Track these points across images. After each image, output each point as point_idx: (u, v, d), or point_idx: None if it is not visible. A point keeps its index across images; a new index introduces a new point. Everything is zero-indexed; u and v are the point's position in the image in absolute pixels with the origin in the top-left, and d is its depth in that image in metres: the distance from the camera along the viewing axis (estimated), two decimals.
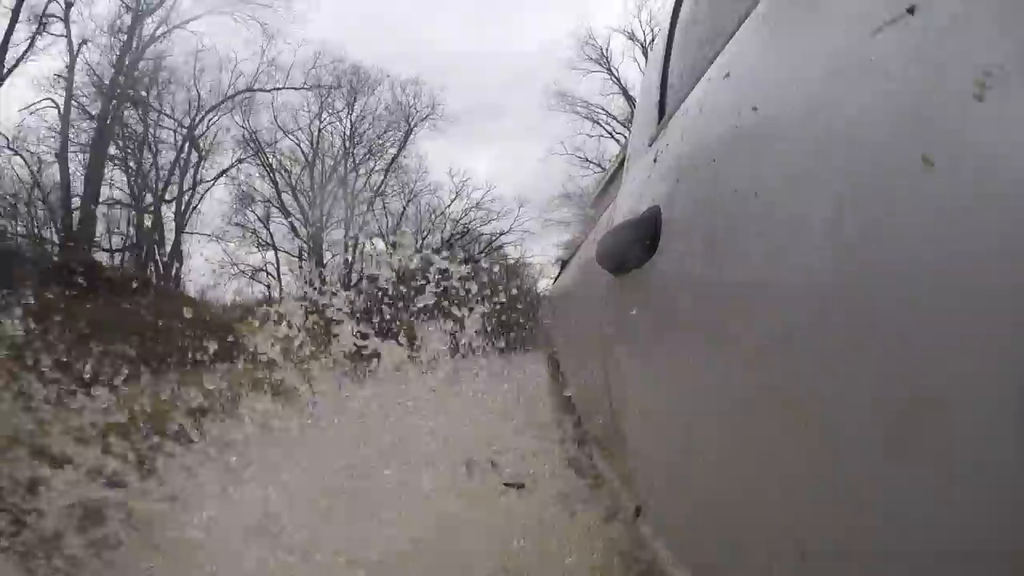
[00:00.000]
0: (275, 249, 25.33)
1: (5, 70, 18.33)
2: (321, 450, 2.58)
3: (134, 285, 14.72)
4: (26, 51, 19.84)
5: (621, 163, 2.22)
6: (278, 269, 25.15)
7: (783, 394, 0.68)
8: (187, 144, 22.47)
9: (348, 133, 26.50)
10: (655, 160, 1.34)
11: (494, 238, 28.09)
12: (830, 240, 0.59)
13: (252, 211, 25.73)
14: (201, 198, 24.26)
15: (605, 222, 1.95)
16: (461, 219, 27.98)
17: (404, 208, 27.74)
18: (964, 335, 0.42)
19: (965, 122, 0.43)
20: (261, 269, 25.36)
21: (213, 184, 24.46)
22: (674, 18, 1.74)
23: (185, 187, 23.42)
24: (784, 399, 0.68)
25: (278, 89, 24.52)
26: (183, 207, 23.33)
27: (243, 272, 25.10)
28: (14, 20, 18.44)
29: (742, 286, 0.82)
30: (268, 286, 25.25)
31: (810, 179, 0.65)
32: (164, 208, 23.41)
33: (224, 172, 24.20)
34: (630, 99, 24.12)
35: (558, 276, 3.93)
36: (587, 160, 27.09)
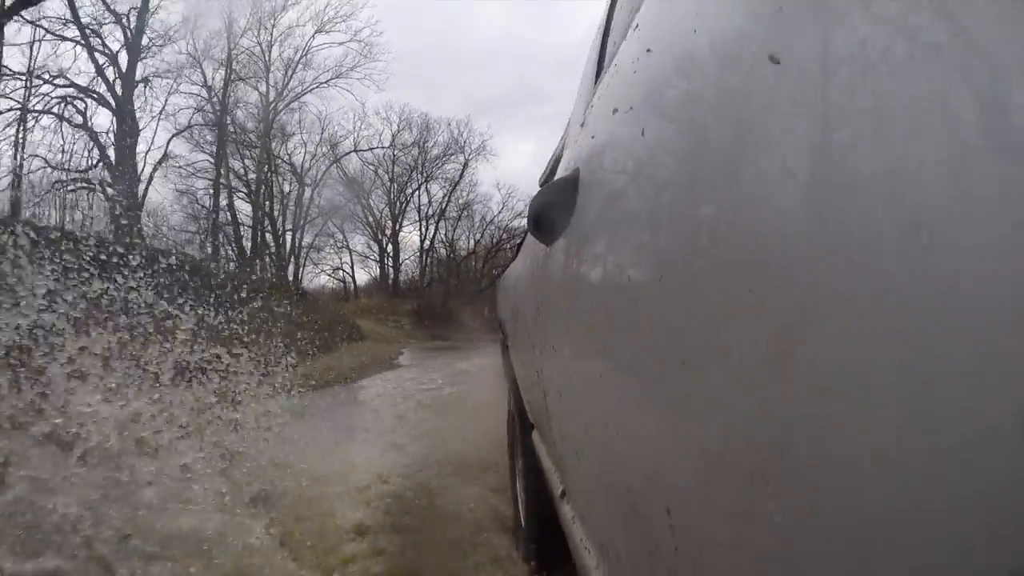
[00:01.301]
0: (350, 252, 33.76)
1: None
2: (414, 375, 12.02)
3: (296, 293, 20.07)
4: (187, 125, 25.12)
5: (564, 142, 2.18)
6: (352, 268, 34.14)
7: (691, 369, 0.64)
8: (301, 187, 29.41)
9: (419, 165, 33.73)
10: (583, 124, 1.29)
11: None
12: (726, 194, 0.55)
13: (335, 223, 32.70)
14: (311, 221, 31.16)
15: None
16: (508, 225, 34.22)
17: (459, 217, 34.65)
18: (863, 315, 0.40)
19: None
20: (339, 268, 33.95)
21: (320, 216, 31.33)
22: None
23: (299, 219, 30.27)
24: (692, 374, 0.64)
25: (372, 149, 32.12)
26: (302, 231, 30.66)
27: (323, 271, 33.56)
28: None
29: (651, 252, 0.77)
30: (343, 281, 34.03)
31: (702, 127, 0.60)
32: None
33: (337, 210, 31.42)
34: None
35: (512, 259, 3.90)
36: None
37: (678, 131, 0.65)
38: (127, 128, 21.70)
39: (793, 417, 0.46)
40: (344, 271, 33.96)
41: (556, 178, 1.36)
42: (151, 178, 23.39)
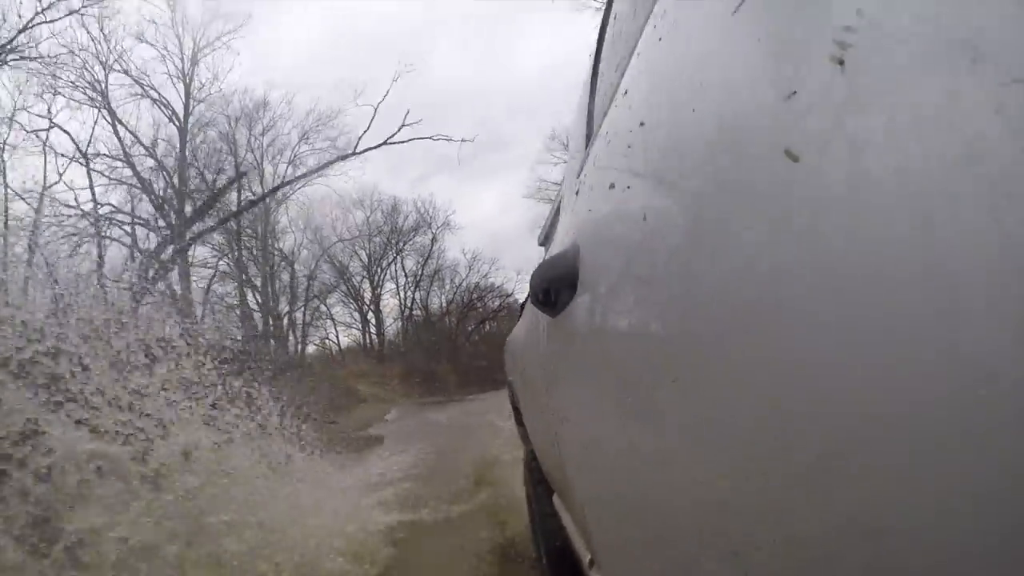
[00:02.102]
0: (333, 321, 37.97)
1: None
2: (429, 417, 16.28)
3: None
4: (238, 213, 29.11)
5: (560, 201, 2.18)
6: (338, 335, 38.33)
7: (706, 429, 0.64)
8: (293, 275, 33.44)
9: (391, 242, 38.64)
10: (577, 192, 1.29)
11: (502, 299, 40.40)
12: (724, 259, 0.55)
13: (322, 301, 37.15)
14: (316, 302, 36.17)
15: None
16: (476, 285, 40.59)
17: (431, 282, 40.16)
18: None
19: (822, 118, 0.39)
20: (325, 338, 37.88)
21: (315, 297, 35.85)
22: (600, 40, 1.70)
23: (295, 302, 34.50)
24: (709, 435, 0.63)
25: (352, 239, 36.45)
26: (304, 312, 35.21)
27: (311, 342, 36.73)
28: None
29: (651, 316, 0.77)
30: (328, 349, 37.44)
31: (696, 190, 0.59)
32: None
33: (329, 290, 36.39)
34: None
35: (519, 317, 3.89)
36: None
37: (679, 214, 0.64)
38: (184, 250, 25.70)
39: (823, 492, 0.46)
40: (330, 340, 38.07)
41: (556, 252, 1.36)
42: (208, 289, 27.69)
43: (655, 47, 0.77)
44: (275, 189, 29.43)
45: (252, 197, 28.75)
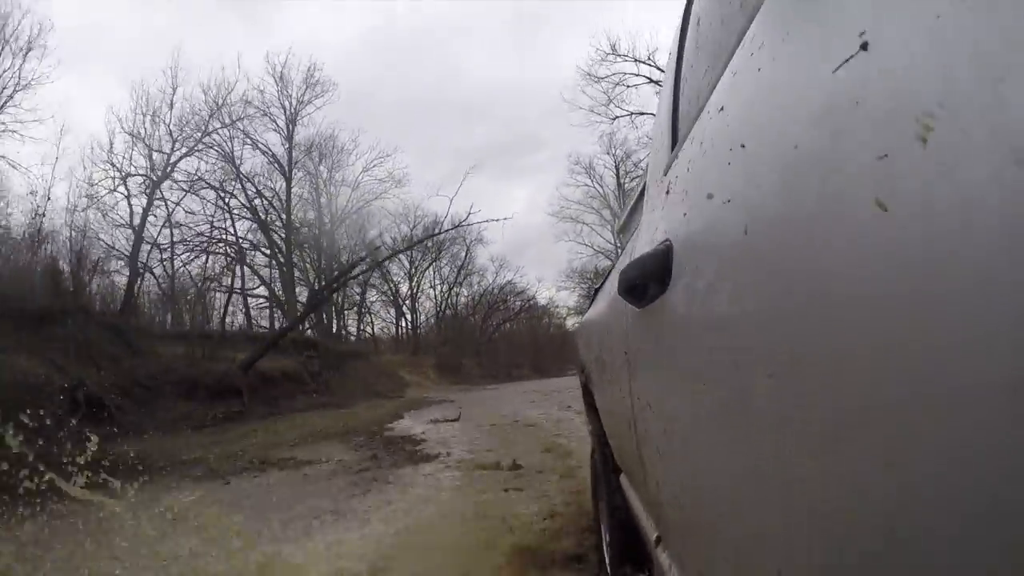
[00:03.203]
0: (371, 318, 45.58)
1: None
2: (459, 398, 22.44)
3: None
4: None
5: (642, 192, 2.21)
6: (373, 330, 46.00)
7: (795, 423, 0.68)
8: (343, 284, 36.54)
9: (431, 250, 45.28)
10: (667, 192, 1.34)
11: (523, 302, 49.94)
12: (820, 267, 0.61)
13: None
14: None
15: (628, 252, 1.95)
16: (500, 290, 49.73)
17: (460, 285, 48.65)
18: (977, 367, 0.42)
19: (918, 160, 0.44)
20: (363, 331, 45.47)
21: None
22: (682, 39, 1.73)
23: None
24: (796, 428, 0.68)
25: (398, 252, 40.55)
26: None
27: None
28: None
29: (745, 319, 0.82)
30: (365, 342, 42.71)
31: (794, 216, 0.66)
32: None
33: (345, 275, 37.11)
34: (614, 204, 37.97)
35: (591, 304, 3.92)
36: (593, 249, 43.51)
37: (775, 235, 0.71)
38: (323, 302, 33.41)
39: (912, 479, 0.49)
40: (367, 333, 44.93)
41: (644, 248, 1.41)
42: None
43: (754, 75, 0.83)
44: (383, 260, 36.54)
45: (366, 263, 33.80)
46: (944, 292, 0.43)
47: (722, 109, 0.97)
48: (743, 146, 0.82)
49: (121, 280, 24.46)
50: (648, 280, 1.26)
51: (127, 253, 24.96)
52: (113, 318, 19.25)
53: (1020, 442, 0.37)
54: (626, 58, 29.80)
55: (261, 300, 34.95)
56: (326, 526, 5.08)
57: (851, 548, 0.58)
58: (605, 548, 3.10)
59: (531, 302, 47.64)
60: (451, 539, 4.27)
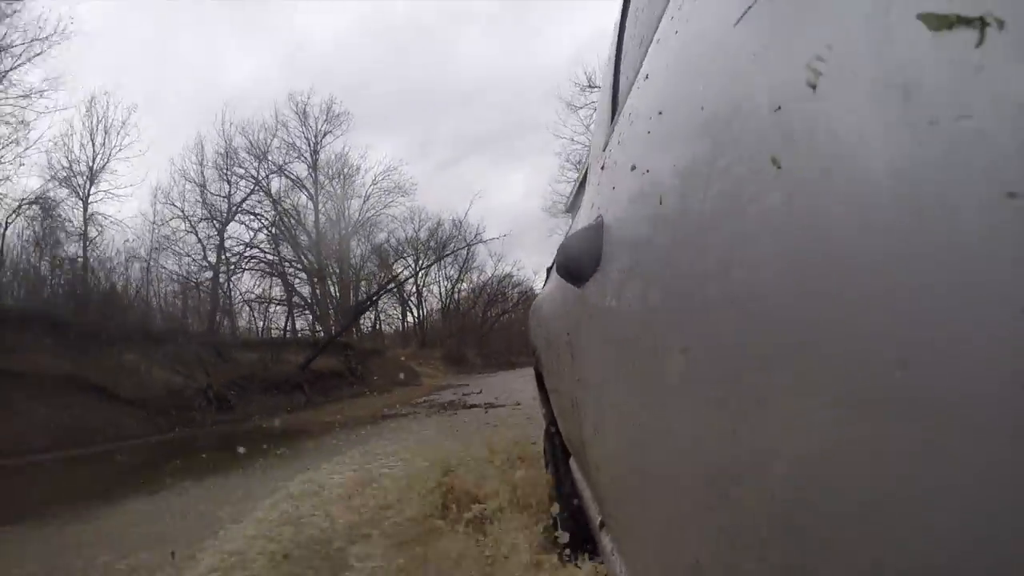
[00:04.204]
0: (378, 314, 47.32)
1: None
2: (465, 386, 24.20)
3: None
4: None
5: (587, 171, 2.20)
6: (380, 326, 48.24)
7: (724, 400, 0.66)
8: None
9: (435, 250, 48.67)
10: (603, 167, 1.33)
11: (523, 294, 50.65)
12: (723, 247, 0.60)
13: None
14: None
15: (570, 232, 1.93)
16: (499, 283, 53.08)
17: (460, 278, 52.14)
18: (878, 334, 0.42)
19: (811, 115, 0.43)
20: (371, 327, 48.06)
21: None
22: (623, 17, 1.71)
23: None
24: (726, 404, 0.66)
25: (411, 259, 48.20)
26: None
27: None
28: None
29: (668, 293, 0.81)
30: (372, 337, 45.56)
31: (702, 182, 0.64)
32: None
33: (381, 291, 43.46)
34: None
35: (544, 283, 3.92)
36: None
37: (692, 202, 0.68)
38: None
39: (849, 456, 0.48)
40: (376, 329, 47.25)
41: (580, 224, 1.39)
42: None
43: (672, 39, 0.81)
44: (397, 283, 44.02)
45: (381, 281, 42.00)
46: (838, 240, 0.43)
47: (647, 77, 0.95)
48: (660, 113, 0.80)
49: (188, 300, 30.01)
50: (583, 257, 1.24)
51: (194, 280, 30.63)
52: (205, 335, 24.85)
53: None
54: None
55: (302, 310, 39.57)
56: (436, 431, 10.45)
57: (782, 530, 0.57)
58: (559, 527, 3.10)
59: (528, 293, 48.60)
60: (474, 430, 7.97)
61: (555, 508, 2.99)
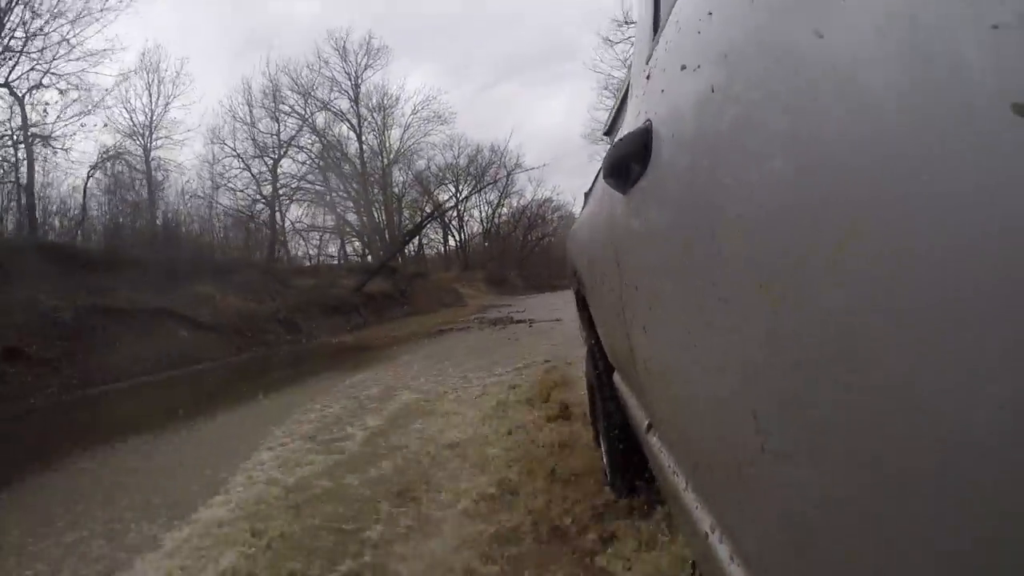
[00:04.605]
0: (420, 240, 48.85)
1: None
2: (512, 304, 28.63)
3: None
4: None
5: (627, 91, 2.21)
6: (422, 250, 49.64)
7: (774, 295, 0.71)
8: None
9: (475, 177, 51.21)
10: (648, 77, 1.35)
11: (562, 218, 52.71)
12: (786, 144, 0.65)
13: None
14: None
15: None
16: (539, 207, 55.52)
17: (500, 203, 54.40)
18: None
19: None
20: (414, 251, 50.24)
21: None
22: None
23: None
24: (777, 299, 0.71)
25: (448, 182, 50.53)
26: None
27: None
28: None
29: (722, 185, 0.85)
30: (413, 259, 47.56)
31: (759, 73, 0.69)
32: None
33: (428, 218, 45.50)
34: None
35: (582, 209, 3.94)
36: None
37: (743, 89, 0.73)
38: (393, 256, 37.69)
39: (858, 327, 0.54)
40: (419, 253, 48.55)
41: (626, 130, 1.42)
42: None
43: None
44: (442, 211, 46.84)
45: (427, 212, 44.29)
46: (892, 126, 0.47)
47: None
48: (710, 13, 0.84)
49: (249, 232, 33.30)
50: (630, 160, 1.28)
51: (249, 213, 34.04)
52: (266, 264, 27.43)
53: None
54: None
55: (350, 237, 43.15)
56: (499, 339, 13.11)
57: (824, 417, 0.63)
58: (604, 460, 3.22)
59: (568, 217, 49.76)
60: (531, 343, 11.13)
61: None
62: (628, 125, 1.59)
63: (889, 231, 0.49)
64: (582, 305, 3.65)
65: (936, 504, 0.46)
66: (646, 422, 1.76)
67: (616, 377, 2.65)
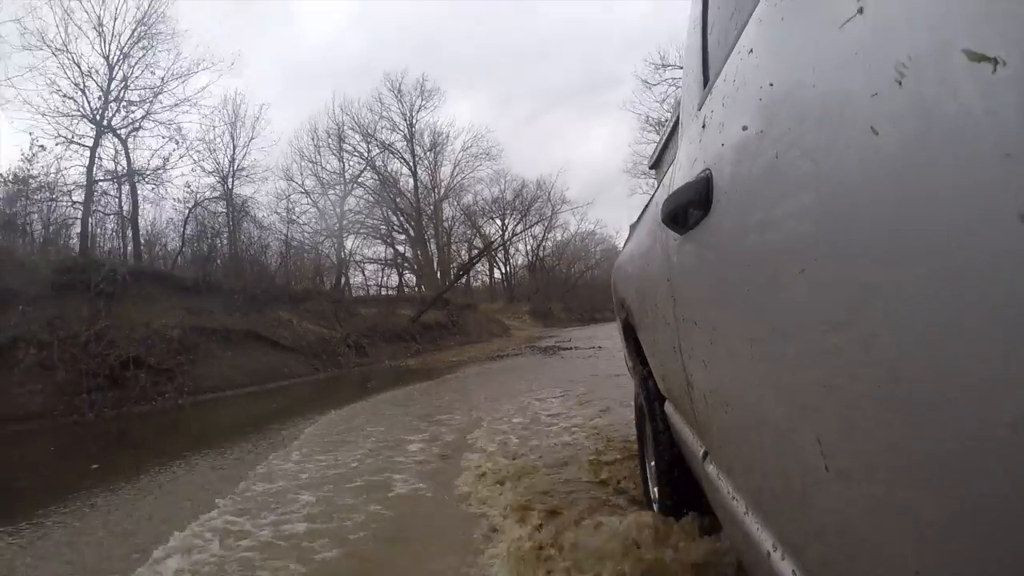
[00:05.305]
0: (468, 273, 49.95)
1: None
2: (553, 336, 30.49)
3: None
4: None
5: (674, 127, 2.28)
6: (470, 281, 50.97)
7: (832, 334, 0.79)
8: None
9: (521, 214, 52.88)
10: (704, 125, 1.44)
11: (605, 251, 53.88)
12: (840, 188, 0.74)
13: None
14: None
15: (667, 184, 2.02)
16: (582, 240, 57.99)
17: (544, 237, 56.15)
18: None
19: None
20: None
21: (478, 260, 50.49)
22: None
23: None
24: (834, 337, 0.79)
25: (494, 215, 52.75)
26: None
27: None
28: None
29: (780, 235, 0.94)
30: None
31: (817, 144, 0.78)
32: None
33: (482, 254, 49.41)
34: None
35: (627, 241, 3.99)
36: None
37: (806, 159, 0.82)
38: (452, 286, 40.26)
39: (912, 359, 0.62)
40: (465, 284, 49.02)
41: (684, 178, 1.51)
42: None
43: (778, 25, 0.95)
44: (494, 248, 49.46)
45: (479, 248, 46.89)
46: (934, 197, 0.56)
47: (751, 51, 1.08)
48: (771, 84, 0.94)
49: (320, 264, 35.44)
50: (690, 207, 1.37)
51: (311, 245, 35.23)
52: (333, 293, 28.96)
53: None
54: (676, 66, 29.91)
55: (403, 269, 44.90)
56: (550, 366, 15.08)
57: (887, 446, 0.69)
58: (650, 479, 3.27)
59: (611, 250, 50.77)
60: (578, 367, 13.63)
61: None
62: (683, 169, 1.66)
63: (933, 273, 0.57)
64: (629, 334, 3.65)
65: (992, 518, 0.52)
66: (702, 450, 1.81)
67: (668, 407, 2.69)
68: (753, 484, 1.28)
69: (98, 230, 22.09)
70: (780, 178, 0.91)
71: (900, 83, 0.57)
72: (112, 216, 22.63)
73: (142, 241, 23.74)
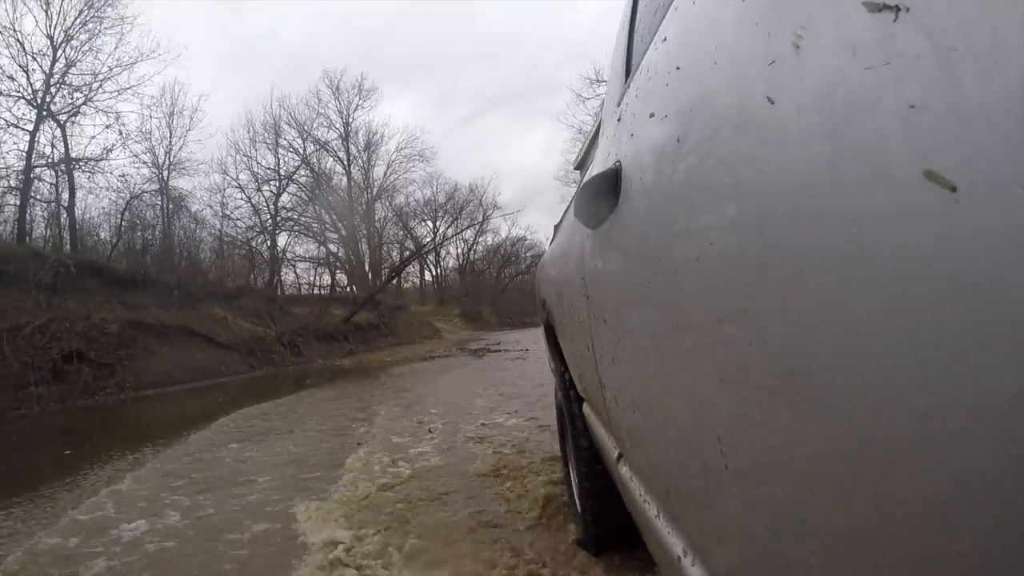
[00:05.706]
0: (399, 277, 49.56)
1: None
2: (483, 338, 31.92)
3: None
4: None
5: (599, 126, 2.27)
6: (401, 283, 50.68)
7: (736, 324, 0.76)
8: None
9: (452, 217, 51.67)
10: (619, 119, 1.42)
11: (535, 257, 51.21)
12: (730, 181, 0.71)
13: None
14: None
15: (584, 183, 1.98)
16: (513, 245, 57.74)
17: (475, 240, 56.17)
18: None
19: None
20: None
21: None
22: None
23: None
24: (737, 329, 0.76)
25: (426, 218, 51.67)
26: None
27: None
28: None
29: (684, 225, 0.91)
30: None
31: (718, 123, 0.76)
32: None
33: (414, 256, 48.58)
34: None
35: (550, 241, 3.97)
36: None
37: (706, 139, 0.80)
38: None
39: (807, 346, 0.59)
40: (395, 286, 48.63)
41: (597, 171, 1.47)
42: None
43: (690, 8, 0.93)
44: (426, 250, 48.32)
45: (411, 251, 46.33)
46: (838, 171, 0.52)
47: (665, 39, 1.05)
48: (678, 68, 0.91)
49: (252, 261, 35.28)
50: (600, 198, 1.34)
51: (243, 240, 34.92)
52: (266, 291, 28.75)
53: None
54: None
55: (335, 269, 43.96)
56: (470, 367, 15.36)
57: (784, 443, 0.67)
58: (574, 488, 3.19)
59: (541, 255, 52.13)
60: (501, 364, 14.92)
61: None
62: (598, 163, 1.64)
63: (829, 274, 0.54)
64: (551, 336, 3.63)
65: (889, 516, 0.50)
66: (616, 452, 1.79)
67: (586, 408, 2.66)
68: (662, 486, 1.25)
69: (29, 218, 21.61)
70: (681, 162, 0.89)
71: (798, 47, 0.54)
72: (46, 204, 22.33)
73: (84, 233, 23.50)
